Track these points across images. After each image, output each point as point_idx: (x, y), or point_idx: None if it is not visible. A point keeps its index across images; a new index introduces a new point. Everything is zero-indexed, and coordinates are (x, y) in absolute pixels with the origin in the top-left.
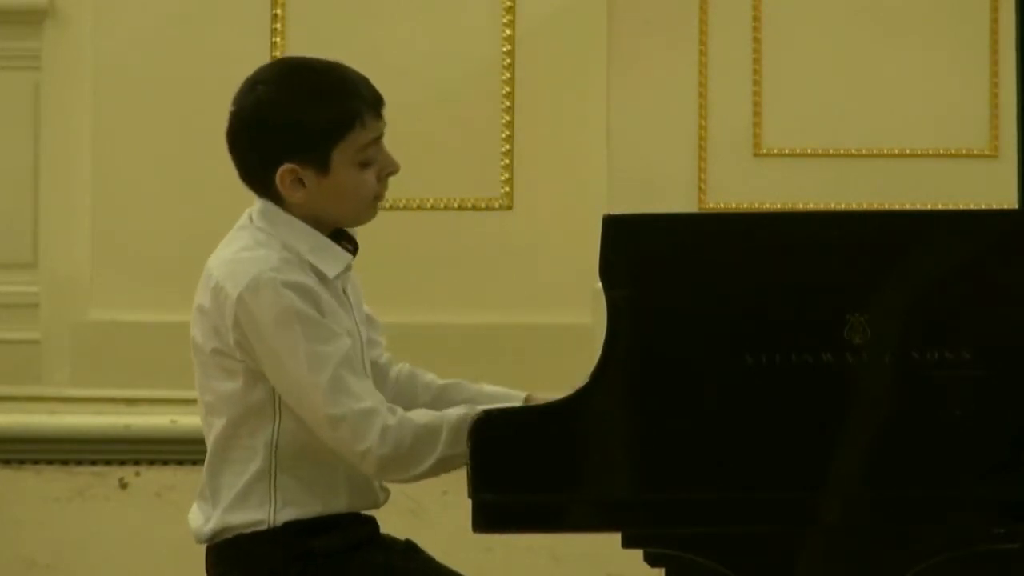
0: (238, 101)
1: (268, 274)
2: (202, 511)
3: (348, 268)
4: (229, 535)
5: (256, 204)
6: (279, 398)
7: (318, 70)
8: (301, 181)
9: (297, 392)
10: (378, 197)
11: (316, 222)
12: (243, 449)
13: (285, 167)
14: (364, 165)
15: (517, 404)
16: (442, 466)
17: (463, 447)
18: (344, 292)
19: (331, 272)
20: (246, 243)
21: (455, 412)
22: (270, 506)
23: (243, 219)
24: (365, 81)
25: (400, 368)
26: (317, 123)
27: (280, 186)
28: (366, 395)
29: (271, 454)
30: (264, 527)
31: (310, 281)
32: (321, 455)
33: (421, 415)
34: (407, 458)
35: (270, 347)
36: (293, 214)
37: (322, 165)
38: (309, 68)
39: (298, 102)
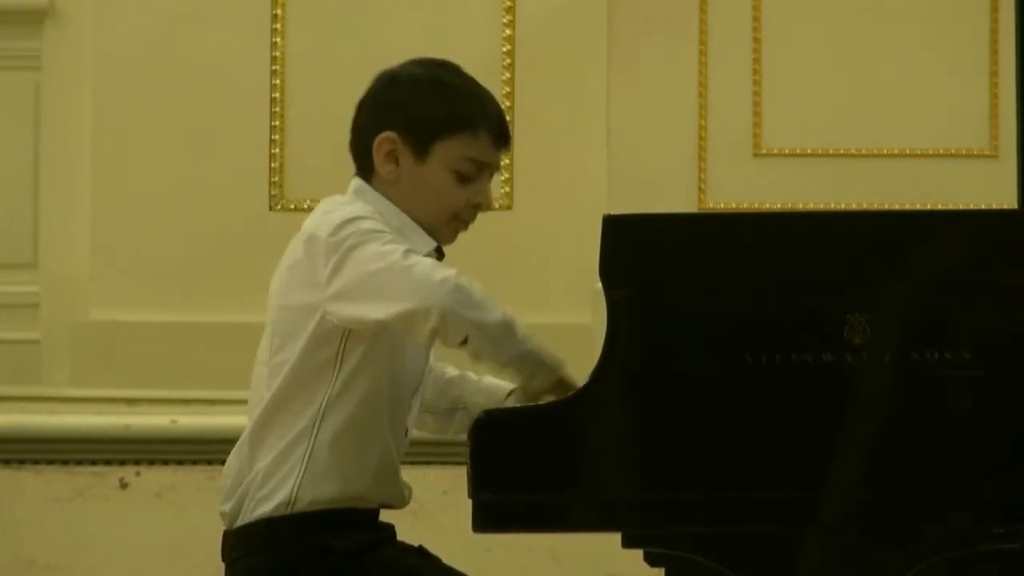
0: (387, 70)
1: (358, 220)
2: (243, 457)
3: (440, 254)
4: (251, 515)
5: (351, 185)
6: (339, 365)
7: (468, 78)
8: (395, 157)
9: (373, 279)
10: (458, 218)
11: (400, 208)
12: (288, 417)
13: (386, 134)
14: (460, 177)
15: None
16: (503, 333)
17: (520, 331)
18: None
19: (420, 249)
20: (342, 203)
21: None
22: (298, 475)
23: (332, 197)
24: (501, 113)
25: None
26: (436, 109)
27: (375, 153)
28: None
29: (315, 423)
30: (282, 501)
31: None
32: (360, 434)
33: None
34: (481, 299)
35: (354, 263)
36: (385, 195)
37: (421, 150)
38: (461, 72)
39: (429, 85)
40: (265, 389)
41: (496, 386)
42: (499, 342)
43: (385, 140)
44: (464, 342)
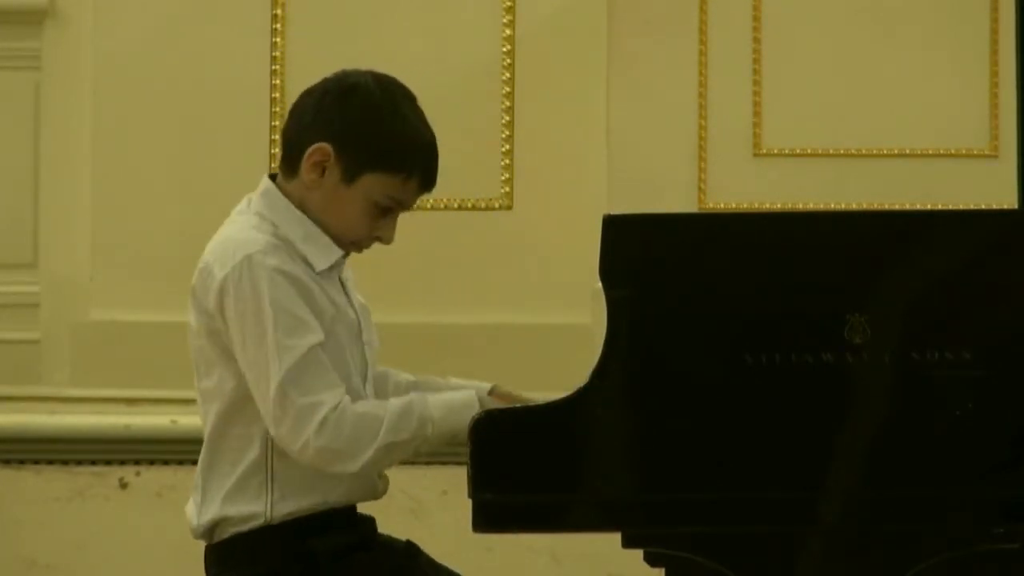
0: (343, 77)
1: (255, 257)
2: (195, 503)
3: (341, 261)
4: (227, 533)
5: (259, 186)
6: None
7: (420, 114)
8: (323, 170)
9: (255, 378)
10: (356, 245)
11: (309, 214)
12: (238, 438)
13: (322, 145)
14: (376, 210)
15: (469, 393)
16: (388, 454)
17: (409, 434)
18: (341, 282)
19: (320, 264)
20: (239, 227)
21: (399, 399)
22: (267, 497)
23: (241, 204)
24: (437, 160)
25: (376, 372)
26: (379, 142)
27: (305, 159)
28: (320, 390)
29: (267, 443)
30: (262, 521)
31: (296, 269)
32: None
33: (362, 404)
34: (346, 448)
35: (242, 329)
36: (292, 201)
37: (350, 174)
38: (415, 105)
39: (382, 113)
40: (204, 415)
41: (467, 386)
42: (389, 460)
43: (319, 151)
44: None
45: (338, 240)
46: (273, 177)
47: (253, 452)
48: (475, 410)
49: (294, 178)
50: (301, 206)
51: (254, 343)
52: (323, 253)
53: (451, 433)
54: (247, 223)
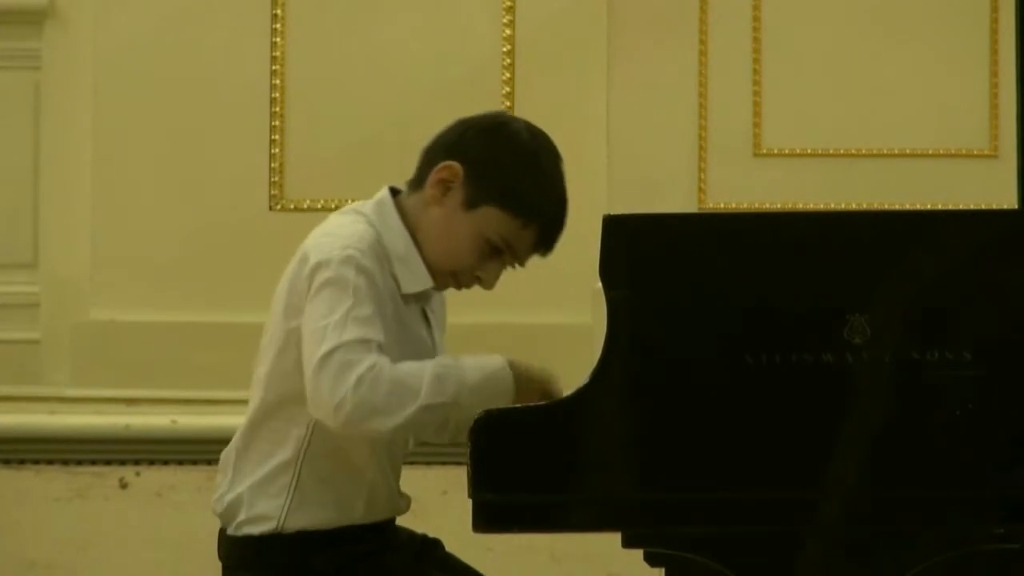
0: (504, 117)
1: (353, 253)
2: (222, 482)
3: (428, 293)
4: (240, 530)
5: (377, 195)
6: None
7: (560, 174)
8: (447, 189)
9: (311, 336)
10: (456, 278)
11: (414, 235)
12: (275, 432)
13: (454, 164)
14: (486, 247)
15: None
16: (422, 419)
17: (446, 398)
18: (425, 314)
19: (407, 287)
20: (345, 224)
21: (437, 359)
22: (285, 501)
23: (354, 205)
24: (560, 226)
25: None
26: (512, 180)
27: (433, 173)
28: (363, 356)
29: (301, 448)
30: (273, 527)
31: (384, 280)
32: (349, 463)
33: (402, 367)
34: (384, 406)
35: (317, 301)
36: (407, 215)
37: (473, 201)
38: (559, 164)
39: (523, 156)
40: (253, 399)
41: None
42: (425, 424)
43: (448, 168)
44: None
45: (437, 266)
46: (394, 192)
47: (286, 452)
48: (508, 382)
49: (417, 192)
50: (414, 224)
51: (325, 309)
52: (414, 277)
53: (483, 403)
54: (354, 222)
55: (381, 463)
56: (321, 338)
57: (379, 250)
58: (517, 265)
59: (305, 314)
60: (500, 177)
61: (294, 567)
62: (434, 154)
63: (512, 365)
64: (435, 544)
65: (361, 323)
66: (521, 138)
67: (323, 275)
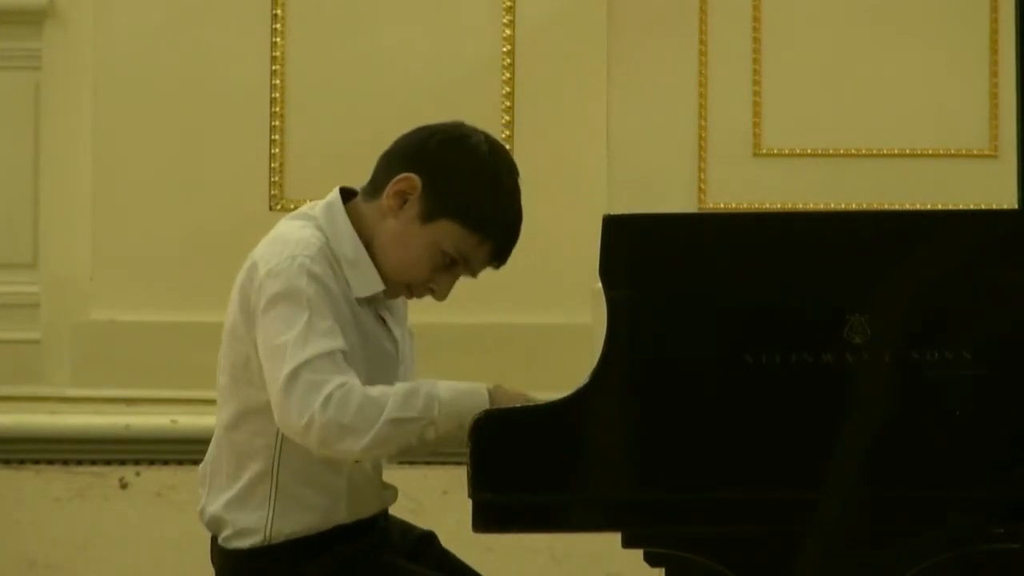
0: (465, 128)
1: (301, 259)
2: (205, 490)
3: (380, 297)
4: (229, 544)
5: (327, 196)
6: None
7: (516, 188)
8: (404, 201)
9: (272, 355)
10: (409, 289)
11: (368, 240)
12: (242, 444)
13: (410, 175)
14: (442, 259)
15: (475, 383)
16: (395, 431)
17: (416, 412)
18: (382, 317)
19: (359, 291)
20: (293, 229)
21: (405, 383)
22: (269, 512)
23: (304, 208)
24: (514, 240)
25: None
26: (468, 193)
27: (391, 184)
28: (331, 373)
29: (273, 457)
30: (260, 539)
31: (335, 286)
32: (326, 463)
33: (371, 388)
34: (352, 423)
35: (273, 311)
36: (362, 221)
37: (430, 215)
38: (515, 178)
39: (481, 170)
40: (219, 412)
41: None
42: (396, 440)
43: (407, 180)
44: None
45: (392, 276)
46: (347, 193)
47: (258, 463)
48: (483, 397)
49: (374, 200)
50: (368, 232)
51: (282, 326)
52: (365, 281)
53: (458, 418)
54: (302, 227)
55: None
56: (282, 357)
57: (328, 254)
58: (468, 276)
59: (260, 329)
60: (459, 192)
61: (289, 573)
62: (392, 162)
63: (490, 388)
64: (430, 539)
65: (322, 335)
66: (481, 152)
67: (274, 287)
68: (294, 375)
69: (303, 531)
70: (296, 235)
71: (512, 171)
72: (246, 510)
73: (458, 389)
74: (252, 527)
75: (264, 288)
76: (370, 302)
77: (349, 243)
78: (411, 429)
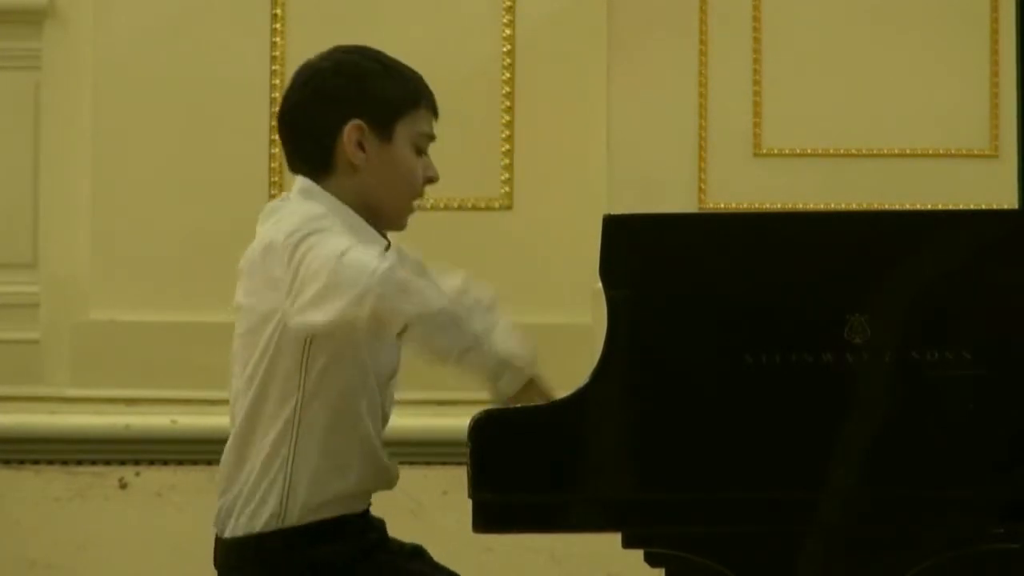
0: (313, 64)
1: (314, 219)
2: (225, 474)
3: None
4: (240, 530)
5: (296, 184)
6: (304, 370)
7: (390, 56)
8: (361, 146)
9: (314, 258)
10: (417, 196)
11: (359, 203)
12: (268, 421)
13: (353, 123)
14: (417, 152)
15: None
16: (445, 320)
17: (472, 319)
18: None
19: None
20: (294, 208)
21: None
22: (283, 486)
23: (277, 201)
24: (427, 84)
25: None
26: (387, 91)
27: (346, 144)
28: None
29: (291, 429)
30: (274, 518)
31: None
32: (340, 433)
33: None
34: (420, 288)
35: (303, 248)
36: (337, 194)
37: (386, 133)
38: (382, 52)
39: (373, 71)
40: (242, 399)
41: None
42: (444, 332)
43: (354, 129)
44: (403, 331)
45: (402, 204)
46: None
47: (277, 433)
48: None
49: (329, 175)
50: (348, 197)
51: (316, 262)
52: (370, 241)
53: (496, 360)
54: (301, 202)
55: (374, 419)
56: (327, 249)
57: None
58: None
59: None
60: (384, 96)
61: (302, 562)
62: (319, 130)
63: (535, 372)
64: (421, 552)
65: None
66: (355, 60)
67: (297, 237)
68: (344, 254)
69: (315, 507)
70: (302, 208)
71: (376, 51)
72: (263, 485)
73: (517, 339)
74: (266, 500)
75: (291, 245)
76: None
77: (340, 210)
78: (455, 334)
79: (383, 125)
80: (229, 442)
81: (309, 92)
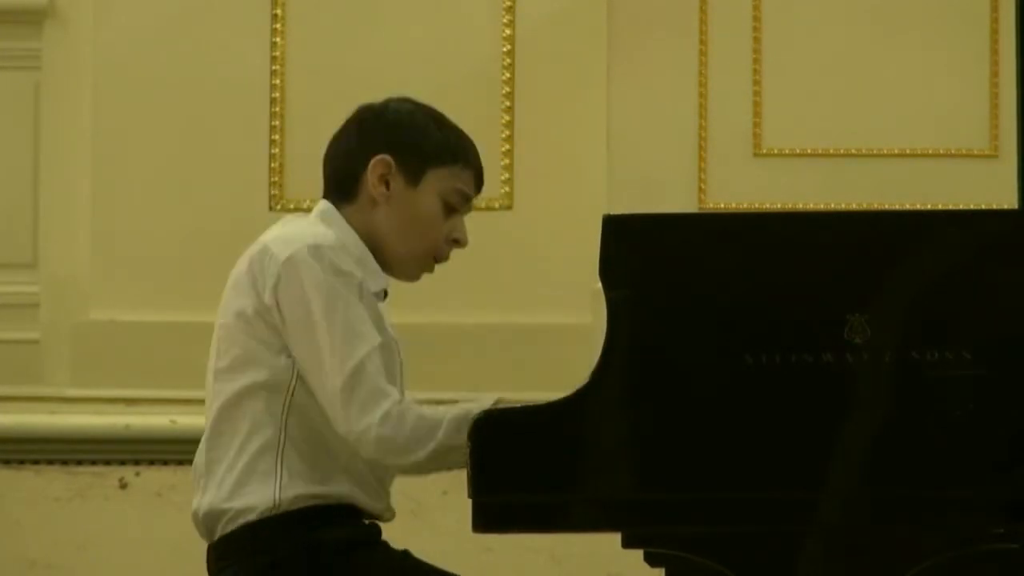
0: (368, 104)
1: (324, 250)
2: (200, 488)
3: (385, 294)
4: (234, 524)
5: (317, 207)
6: (296, 372)
7: (447, 117)
8: (387, 181)
9: (319, 360)
10: (438, 257)
11: (369, 240)
12: (251, 421)
13: (382, 156)
14: (447, 208)
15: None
16: (441, 457)
17: (463, 439)
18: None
19: (372, 287)
20: (304, 225)
21: (457, 407)
22: (276, 481)
23: (294, 215)
24: (479, 156)
25: None
26: (428, 139)
27: (370, 174)
28: (384, 383)
29: (280, 428)
30: (270, 506)
31: (358, 275)
32: (326, 440)
33: (424, 407)
34: (405, 444)
35: (307, 310)
36: (352, 224)
37: (414, 175)
38: (438, 110)
39: (422, 117)
40: (213, 396)
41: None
42: (446, 462)
43: (380, 162)
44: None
45: (413, 255)
46: None
47: (264, 438)
48: None
49: (350, 204)
50: (362, 229)
51: (324, 321)
52: (373, 278)
53: None
54: (310, 224)
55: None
56: (335, 353)
57: (342, 249)
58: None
59: (292, 321)
60: (423, 141)
61: (300, 543)
62: (349, 162)
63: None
64: (411, 556)
65: (362, 325)
66: (408, 106)
67: (297, 274)
68: (352, 382)
69: (309, 497)
70: (311, 230)
71: (434, 108)
72: (251, 484)
73: None
74: (260, 500)
75: (287, 276)
76: (376, 297)
77: (353, 240)
78: (458, 456)
79: (413, 167)
80: (205, 438)
81: (354, 123)
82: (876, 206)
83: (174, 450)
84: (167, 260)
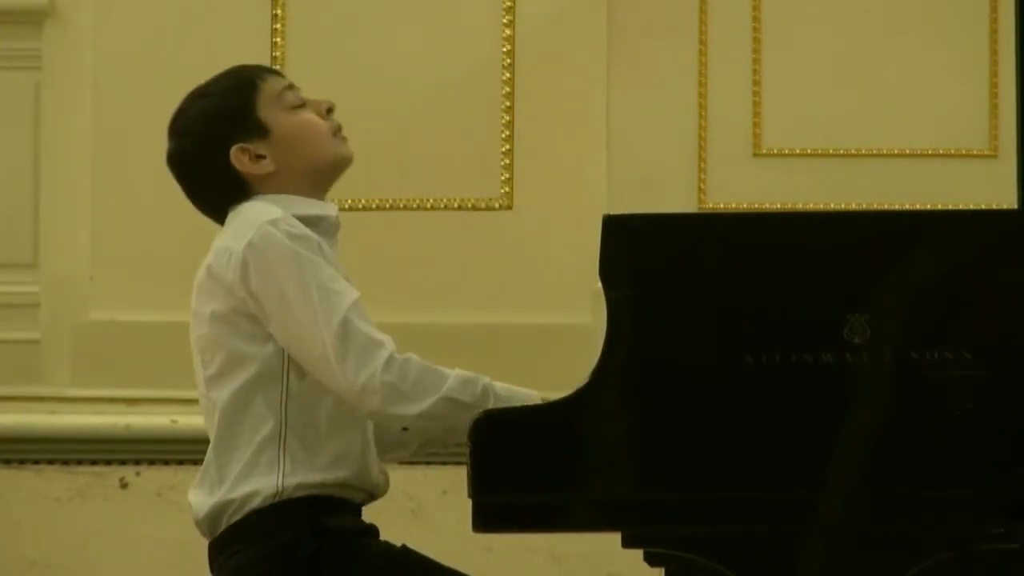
0: (173, 139)
1: (277, 222)
2: (206, 488)
3: (337, 226)
4: (239, 513)
5: (244, 208)
6: (286, 358)
7: (201, 85)
8: (257, 156)
9: (302, 329)
10: (335, 131)
11: (301, 182)
12: (253, 417)
13: (233, 149)
14: (294, 108)
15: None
16: (449, 410)
17: (471, 399)
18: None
19: (329, 211)
20: (252, 215)
21: (462, 371)
22: (279, 470)
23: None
24: (250, 65)
25: None
26: (228, 103)
27: (242, 167)
28: (376, 331)
29: (281, 418)
30: (273, 493)
31: (315, 237)
32: (325, 421)
33: (430, 363)
34: (411, 391)
35: (279, 286)
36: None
37: (259, 129)
38: (197, 88)
39: (205, 107)
40: (211, 405)
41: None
42: (447, 418)
43: (238, 152)
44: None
45: (329, 149)
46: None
47: (267, 428)
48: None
49: (245, 196)
50: (290, 192)
51: (297, 291)
52: (320, 207)
53: None
54: (257, 212)
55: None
56: (317, 319)
57: (287, 213)
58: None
59: (267, 305)
60: (228, 107)
61: (305, 528)
62: (220, 180)
63: (544, 399)
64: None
65: (337, 283)
66: (182, 114)
67: (260, 257)
68: (344, 331)
69: (312, 485)
70: (256, 211)
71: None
72: (255, 475)
73: (513, 391)
74: (263, 488)
75: (249, 264)
76: (334, 239)
77: (289, 204)
78: (462, 414)
79: (250, 125)
80: (214, 440)
81: (182, 167)
82: (876, 206)
83: (174, 450)
84: (167, 260)
